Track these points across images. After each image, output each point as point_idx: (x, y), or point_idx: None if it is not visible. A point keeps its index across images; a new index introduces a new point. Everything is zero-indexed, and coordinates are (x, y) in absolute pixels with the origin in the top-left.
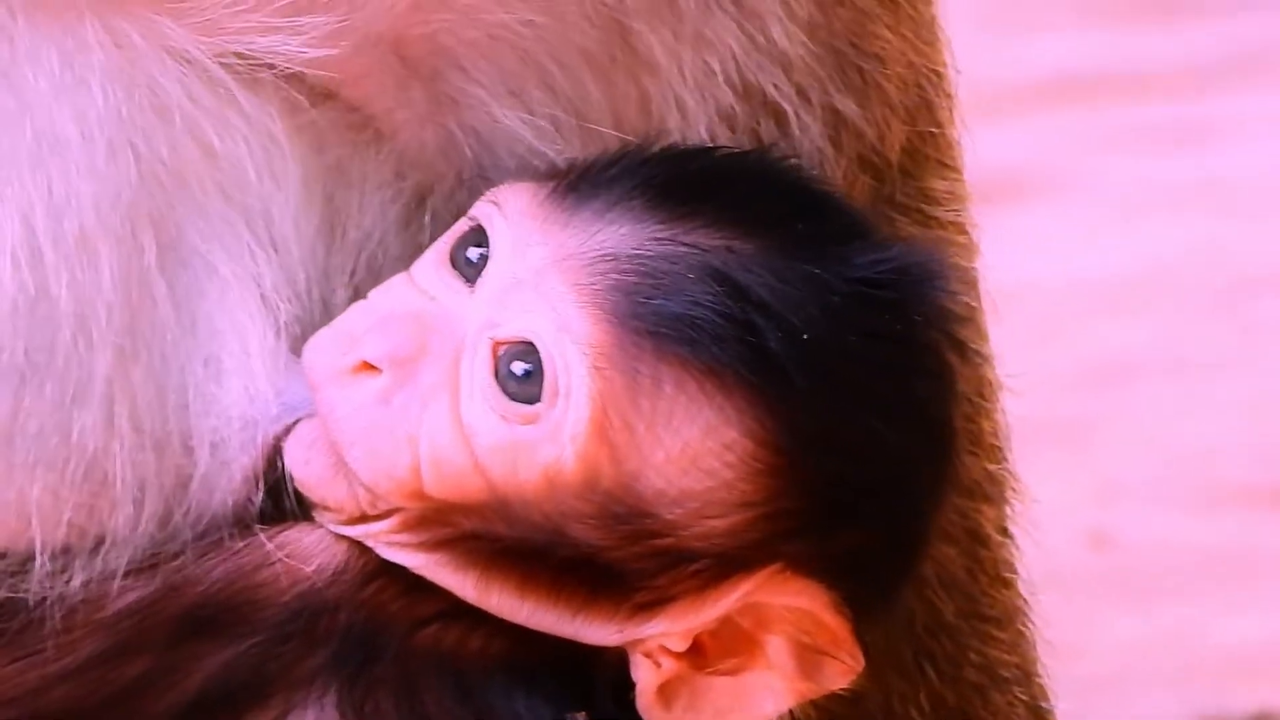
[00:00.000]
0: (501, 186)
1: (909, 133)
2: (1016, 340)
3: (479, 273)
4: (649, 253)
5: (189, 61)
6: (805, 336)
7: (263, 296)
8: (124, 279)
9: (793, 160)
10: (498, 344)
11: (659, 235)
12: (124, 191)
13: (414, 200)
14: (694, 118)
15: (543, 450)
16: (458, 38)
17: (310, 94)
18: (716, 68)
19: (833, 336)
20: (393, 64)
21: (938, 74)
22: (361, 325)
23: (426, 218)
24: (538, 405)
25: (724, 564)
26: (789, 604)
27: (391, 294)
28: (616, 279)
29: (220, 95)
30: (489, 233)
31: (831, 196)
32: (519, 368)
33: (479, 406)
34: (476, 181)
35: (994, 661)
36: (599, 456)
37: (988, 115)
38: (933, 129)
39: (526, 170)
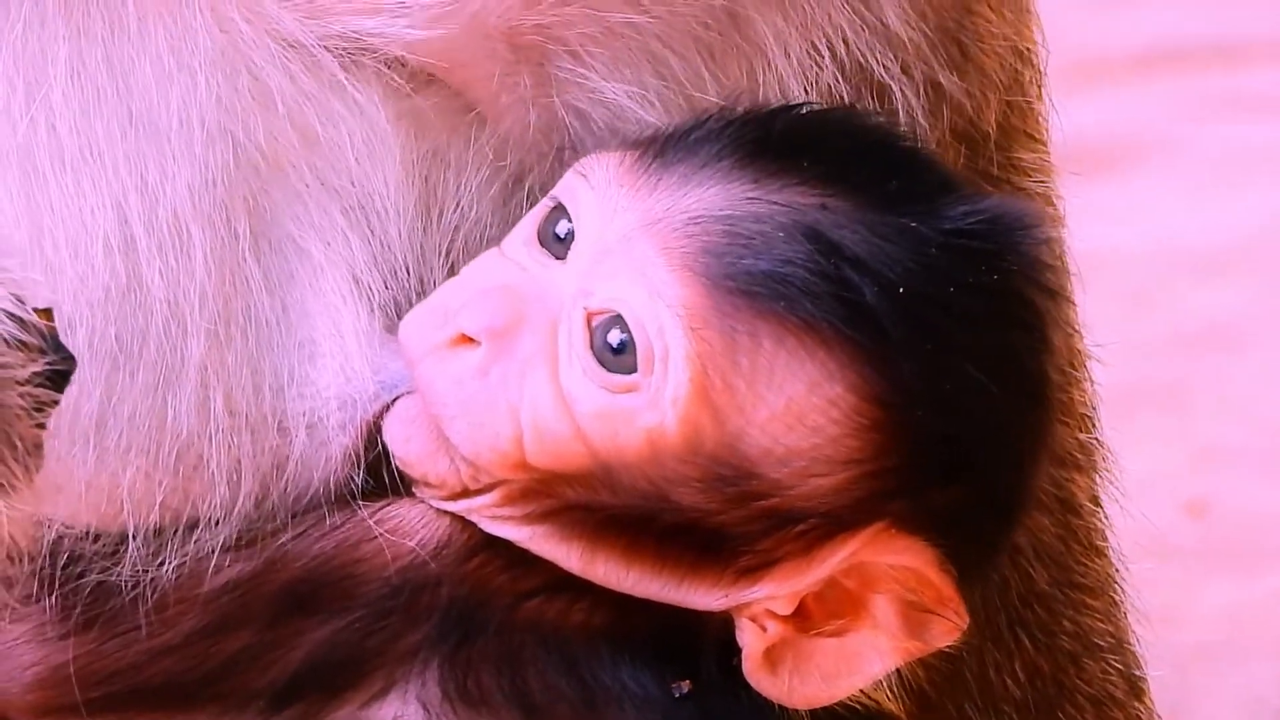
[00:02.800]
0: (587, 158)
1: (1001, 105)
2: (1109, 309)
3: (568, 247)
4: (739, 213)
5: (294, 46)
6: (901, 290)
7: (355, 279)
8: (218, 265)
9: (879, 117)
10: (591, 314)
11: (749, 195)
12: (220, 178)
13: (512, 180)
14: (797, 98)
15: (644, 415)
16: (574, 29)
17: (411, 79)
18: (824, 49)
19: (929, 289)
20: (501, 51)
21: (1029, 49)
22: (456, 300)
23: (524, 197)
24: (635, 375)
25: (829, 523)
26: (894, 562)
27: (484, 269)
28: (706, 240)
29: (323, 79)
30: (576, 204)
31: (920, 152)
32: (615, 338)
33: (578, 375)
34: (575, 159)
35: (1088, 630)
36: (701, 418)
37: (1080, 86)
38: (1023, 101)
39: (614, 141)
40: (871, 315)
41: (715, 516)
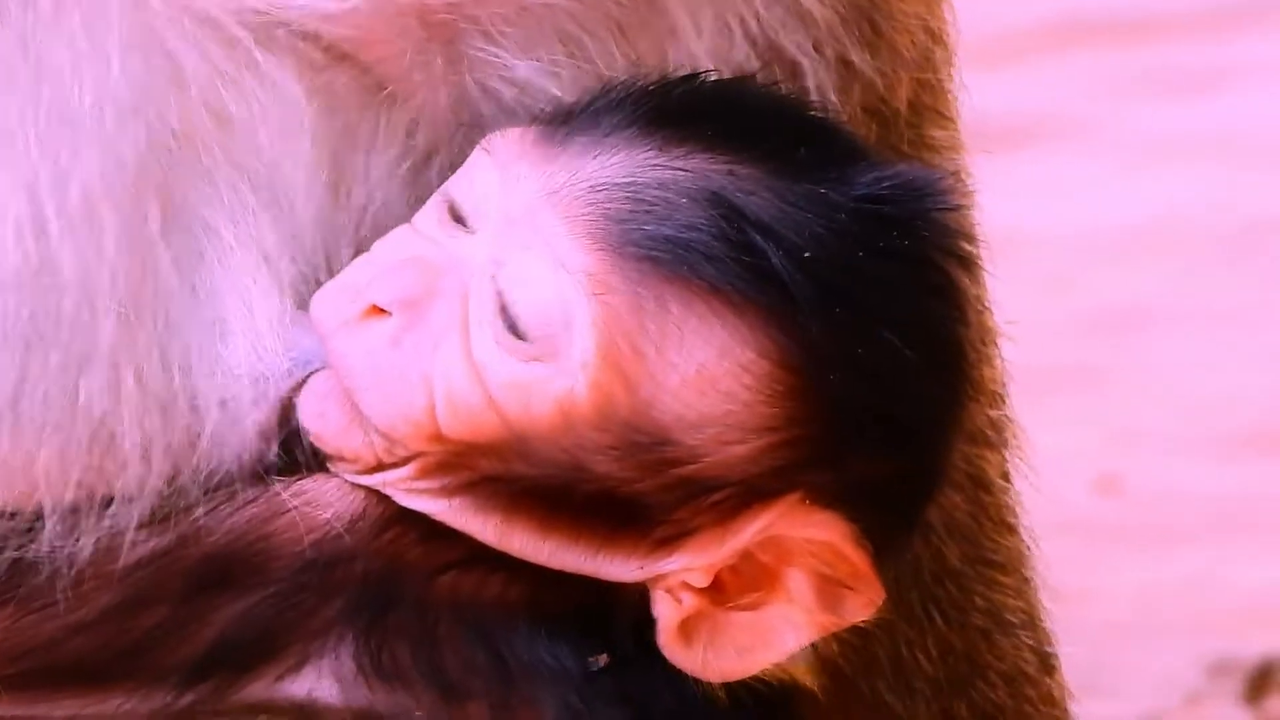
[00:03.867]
0: (493, 134)
1: (912, 83)
2: (1022, 289)
3: (476, 221)
4: (642, 179)
5: (207, 21)
6: (807, 254)
7: (265, 257)
8: (128, 247)
9: (784, 88)
10: (499, 283)
11: (653, 161)
12: (131, 160)
13: (421, 159)
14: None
15: (555, 383)
16: (486, 8)
17: (325, 54)
18: (735, 25)
19: (838, 254)
20: (414, 28)
21: (940, 27)
22: (367, 273)
23: (433, 175)
24: (543, 341)
25: (745, 493)
26: (809, 535)
27: (395, 243)
28: (609, 207)
29: (238, 56)
30: (482, 179)
31: (829, 121)
32: (525, 306)
33: (489, 344)
34: (484, 135)
35: (999, 606)
36: (612, 384)
37: (992, 62)
38: (934, 79)
39: (520, 117)
40: (778, 279)
41: (630, 485)
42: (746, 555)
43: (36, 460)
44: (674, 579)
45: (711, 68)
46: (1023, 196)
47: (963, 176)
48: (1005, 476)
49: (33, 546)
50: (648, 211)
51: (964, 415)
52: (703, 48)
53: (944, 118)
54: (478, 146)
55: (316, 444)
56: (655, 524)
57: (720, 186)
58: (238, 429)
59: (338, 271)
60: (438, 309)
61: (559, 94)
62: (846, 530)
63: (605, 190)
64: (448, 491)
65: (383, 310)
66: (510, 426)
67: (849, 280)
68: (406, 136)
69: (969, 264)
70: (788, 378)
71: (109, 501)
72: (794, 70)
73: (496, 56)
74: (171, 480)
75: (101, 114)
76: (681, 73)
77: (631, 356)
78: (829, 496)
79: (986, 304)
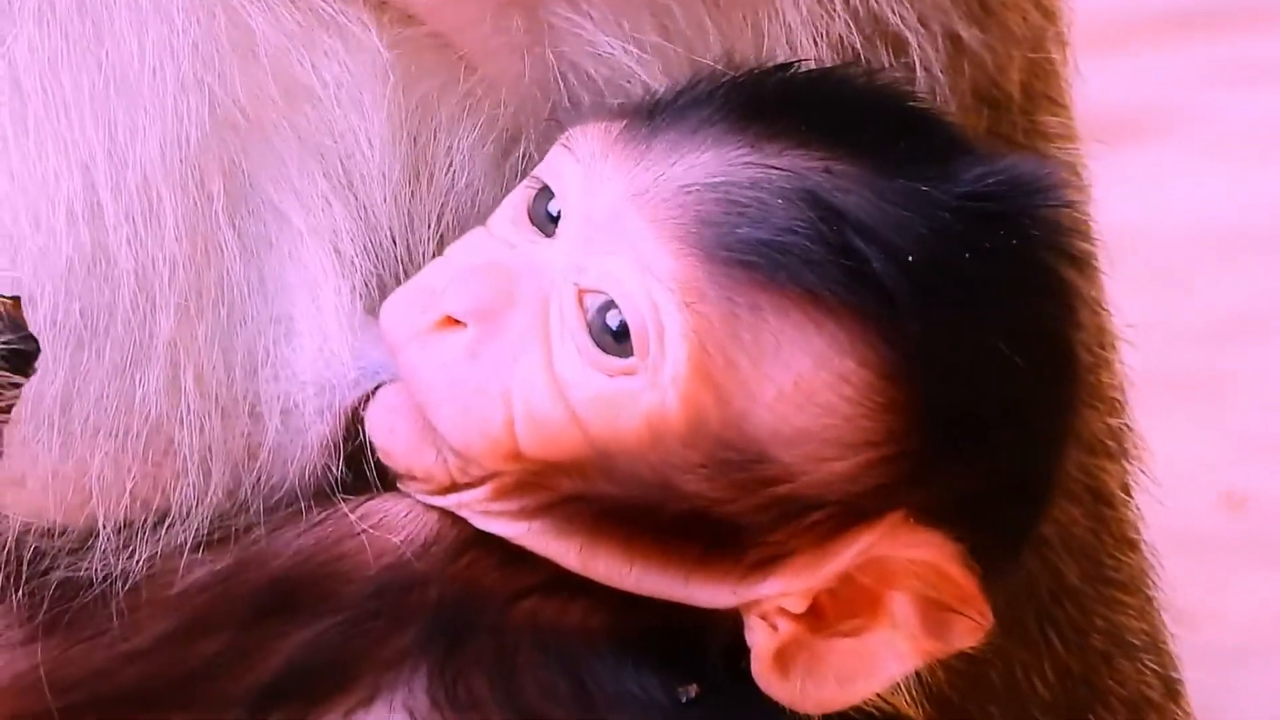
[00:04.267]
0: (572, 130)
1: (1024, 64)
2: (1140, 289)
3: (557, 224)
4: (734, 179)
5: None
6: (910, 257)
7: (337, 249)
8: (189, 232)
9: (885, 75)
10: (583, 291)
11: (745, 160)
12: (194, 135)
13: (507, 140)
14: (805, 51)
15: (643, 397)
16: None
17: (397, 21)
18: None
19: (942, 255)
20: (490, 5)
21: (1052, 4)
22: (440, 280)
23: (520, 159)
24: (631, 358)
25: (844, 513)
26: (913, 556)
27: (470, 246)
28: (699, 210)
29: (307, 23)
30: (560, 179)
31: (931, 111)
32: (611, 318)
33: (572, 357)
34: (571, 120)
35: (1121, 628)
36: (704, 398)
37: (1107, 49)
38: (1046, 61)
39: (601, 110)
40: (878, 284)
41: (723, 505)
42: (846, 578)
43: (89, 468)
44: (769, 604)
45: (808, 43)
46: (1137, 190)
47: (1078, 169)
48: (1126, 489)
49: (84, 565)
50: (740, 213)
51: (1078, 424)
52: (799, 18)
53: (1057, 104)
54: (556, 144)
55: (386, 461)
56: (749, 546)
57: (816, 185)
58: (301, 440)
59: (419, 266)
60: (516, 320)
61: (646, 74)
62: (952, 550)
63: (695, 191)
64: (527, 514)
65: (458, 321)
66: (594, 444)
67: (953, 284)
68: (489, 116)
69: (1083, 264)
70: (889, 389)
71: (165, 515)
72: (898, 45)
73: (581, 28)
74: (231, 493)
75: (164, 84)
76: (778, 56)
77: (725, 368)
78: (933, 514)
79: (1104, 305)
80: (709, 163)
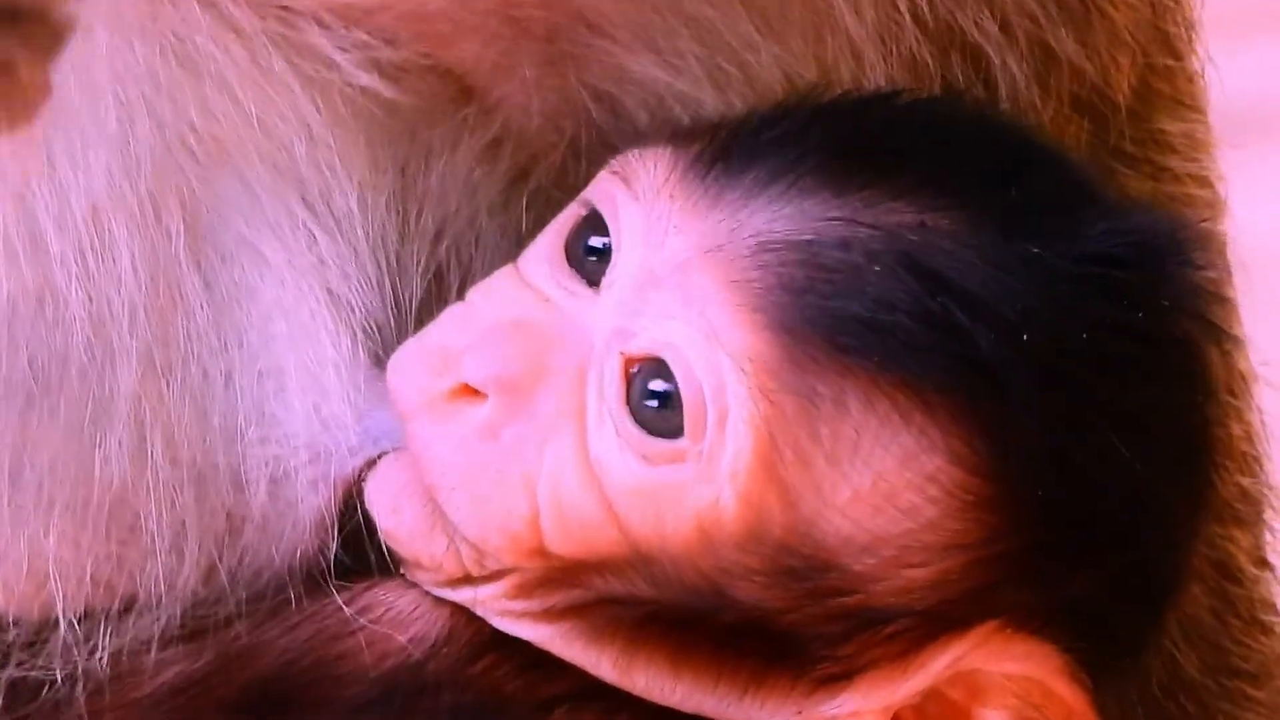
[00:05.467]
0: (628, 154)
1: (1137, 68)
2: (1277, 318)
3: (604, 268)
4: (822, 238)
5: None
6: (1025, 335)
7: (330, 291)
8: (149, 273)
9: (993, 107)
10: (630, 360)
11: (833, 215)
12: (144, 162)
13: (514, 175)
14: (872, 67)
15: (694, 492)
16: None
17: (384, 48)
18: (903, 4)
19: (1059, 333)
20: (494, 26)
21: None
22: (460, 338)
23: (527, 198)
24: (682, 440)
25: (928, 623)
26: (1011, 671)
27: (496, 296)
28: (780, 273)
29: (271, 47)
30: (614, 216)
31: (1049, 152)
32: (659, 387)
33: (611, 439)
34: (598, 150)
35: None
36: (767, 498)
37: (1242, 39)
38: (1167, 60)
39: (661, 133)
40: (985, 368)
41: (786, 616)
42: (933, 694)
43: (44, 549)
44: None
45: (874, 57)
46: (1271, 204)
47: (1210, 181)
48: (1260, 562)
49: (39, 663)
50: (828, 281)
51: (1205, 522)
52: (865, 33)
53: (1182, 106)
54: (606, 170)
55: (389, 544)
56: (817, 660)
57: (913, 247)
58: (292, 515)
59: (407, 315)
60: (547, 393)
61: (693, 92)
62: (1057, 663)
63: (777, 251)
64: (553, 615)
65: (477, 391)
66: (634, 544)
67: (1068, 367)
68: (491, 145)
69: (1220, 334)
70: (983, 487)
71: (131, 604)
72: (976, 58)
73: (607, 53)
74: (208, 578)
75: (97, 106)
76: (864, 85)
77: (795, 466)
78: (1035, 622)
79: (1239, 341)
80: (792, 216)
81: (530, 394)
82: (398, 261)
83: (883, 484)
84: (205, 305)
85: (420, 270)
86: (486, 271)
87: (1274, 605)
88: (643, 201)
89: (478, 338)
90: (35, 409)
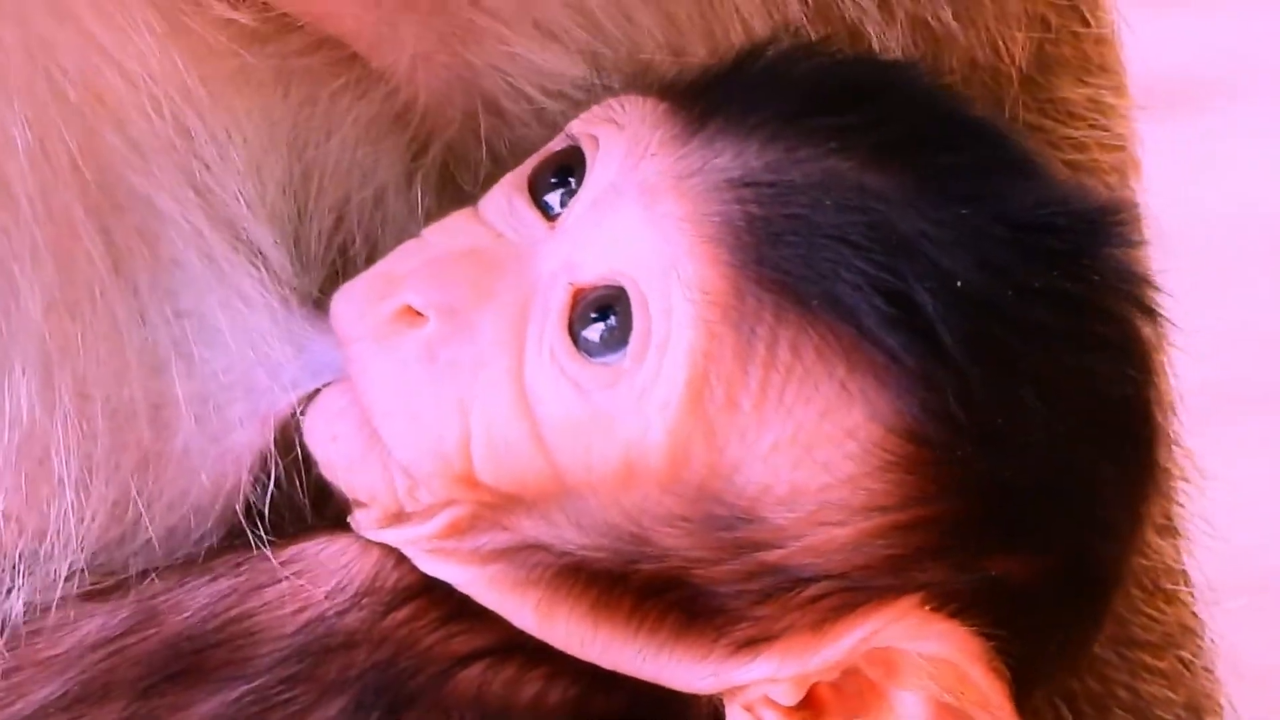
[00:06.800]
0: (616, 100)
1: (1031, 41)
2: (1194, 289)
3: (565, 201)
4: (782, 179)
5: None
6: (955, 297)
7: (241, 240)
8: (45, 210)
9: (943, 80)
10: (580, 290)
11: (796, 156)
12: (19, 101)
13: (413, 151)
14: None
15: (624, 424)
16: None
17: (263, 22)
18: None
19: (988, 296)
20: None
21: None
22: (406, 265)
23: (422, 176)
24: (620, 359)
25: (847, 590)
26: (927, 651)
27: (448, 230)
28: (744, 210)
29: (129, 11)
30: (594, 145)
31: (981, 119)
32: (606, 305)
33: (546, 366)
34: (498, 129)
35: (1150, 700)
36: (693, 436)
37: (1158, 6)
38: (1076, 28)
39: (650, 82)
40: (913, 326)
41: (704, 568)
42: (850, 669)
43: None
44: (755, 691)
45: (764, 29)
46: (1187, 174)
47: (1117, 145)
48: (1164, 530)
49: None
50: (785, 224)
51: (1145, 506)
52: (752, 4)
53: (1091, 70)
54: (590, 113)
55: (326, 475)
56: (734, 620)
57: (863, 195)
58: (215, 450)
59: (310, 293)
60: (488, 319)
61: (573, 73)
62: (976, 648)
63: (745, 188)
64: (480, 557)
65: (419, 314)
66: (561, 478)
67: (995, 329)
68: (393, 120)
69: (1153, 313)
70: (904, 446)
71: (40, 544)
72: (856, 34)
73: (489, 29)
74: (117, 514)
75: None
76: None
77: (724, 407)
78: (955, 603)
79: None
80: (763, 156)
81: (471, 318)
82: (295, 240)
83: (803, 434)
84: (103, 249)
85: (326, 240)
86: (392, 248)
87: (1178, 573)
88: (627, 130)
89: (423, 262)
90: None
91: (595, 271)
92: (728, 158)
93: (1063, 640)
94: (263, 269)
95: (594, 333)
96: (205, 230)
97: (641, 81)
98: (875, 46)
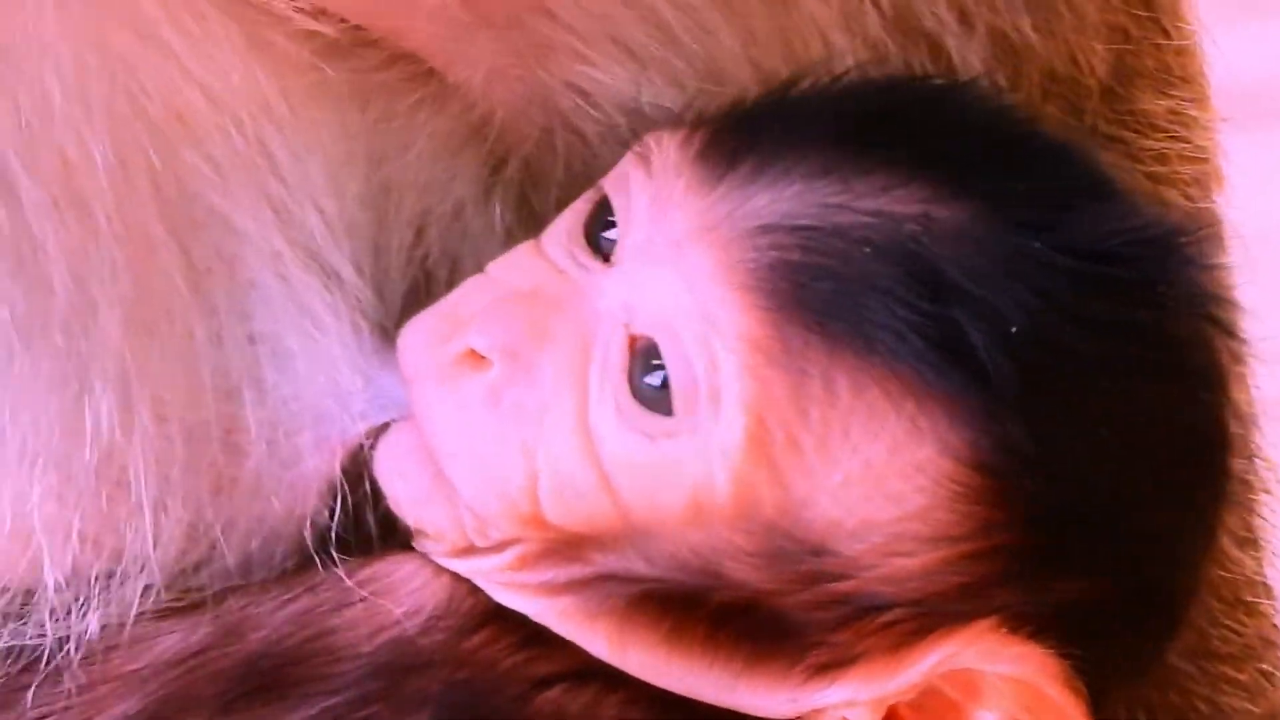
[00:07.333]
0: (650, 136)
1: (1112, 52)
2: (1277, 300)
3: (620, 249)
4: (820, 224)
5: None
6: (1015, 329)
7: (320, 265)
8: (124, 229)
9: (1003, 96)
10: (634, 337)
11: (834, 200)
12: (101, 122)
13: (491, 166)
14: (841, 52)
15: (689, 469)
16: None
17: (340, 36)
18: None
19: (1051, 328)
20: (453, 8)
21: None
22: (470, 305)
23: (502, 191)
24: (674, 418)
25: (921, 617)
26: (1005, 672)
27: (511, 267)
28: (776, 255)
29: (210, 27)
30: (627, 194)
31: (1058, 143)
32: (655, 374)
33: (610, 413)
34: (575, 146)
35: (1230, 713)
36: (758, 478)
37: (1241, 15)
38: (1158, 40)
39: (685, 116)
40: (973, 359)
41: (779, 598)
42: (930, 689)
43: (29, 504)
44: (833, 716)
45: (843, 42)
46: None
47: (1200, 157)
48: (1244, 543)
49: (30, 632)
50: (823, 265)
51: (1218, 521)
52: (830, 16)
53: (1171, 82)
54: (631, 151)
55: (395, 510)
56: (810, 647)
57: (911, 236)
58: (288, 478)
59: (391, 311)
60: (551, 360)
61: (648, 91)
62: (1053, 668)
63: (774, 233)
64: (551, 590)
65: (483, 357)
66: (629, 517)
67: (1059, 362)
68: (471, 133)
69: (1228, 332)
70: (972, 478)
71: (117, 565)
72: (936, 47)
73: (566, 44)
74: (194, 537)
75: (51, 51)
76: (878, 72)
77: (786, 448)
78: (1031, 625)
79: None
80: (793, 200)
81: (534, 361)
82: (375, 254)
83: (872, 470)
84: (183, 268)
85: (403, 264)
86: (473, 263)
87: (1259, 586)
88: (655, 178)
89: (487, 305)
90: (16, 362)
91: (642, 324)
92: (762, 201)
93: (1136, 655)
94: (336, 293)
95: (652, 382)
96: (283, 251)
97: (680, 114)
98: (955, 59)
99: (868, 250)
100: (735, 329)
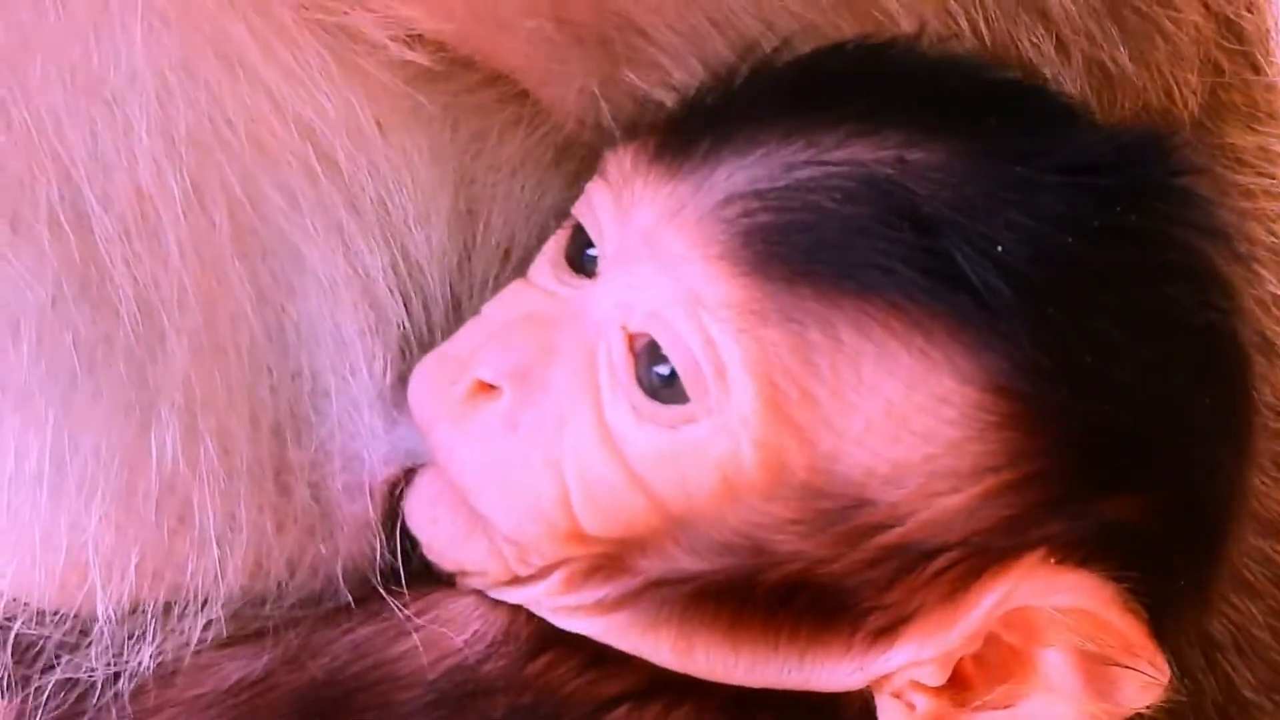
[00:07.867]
0: (608, 154)
1: (1203, 85)
2: None
3: (599, 262)
4: (788, 183)
5: (263, 13)
6: (1000, 248)
7: (373, 304)
8: (195, 256)
9: (946, 45)
10: (632, 336)
11: (799, 159)
12: (182, 149)
13: (585, 180)
14: None
15: (713, 447)
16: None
17: (435, 59)
18: (963, 19)
19: (1044, 244)
20: (546, 29)
21: (1235, 17)
22: (471, 342)
23: None
24: (690, 404)
25: (971, 557)
26: (1061, 604)
27: (504, 301)
28: (747, 222)
29: (304, 55)
30: (592, 210)
31: (1023, 81)
32: (661, 366)
33: (626, 411)
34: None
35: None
36: (782, 440)
37: None
38: (1247, 75)
39: (636, 129)
40: (967, 283)
41: (828, 565)
42: (990, 638)
43: (86, 534)
44: (902, 678)
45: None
46: None
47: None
48: None
49: (85, 664)
50: (795, 221)
51: (1245, 428)
52: (927, 45)
53: (1259, 118)
54: (596, 176)
55: (431, 558)
56: (867, 611)
57: (885, 177)
58: (333, 521)
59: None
60: (558, 374)
61: None
62: (1108, 592)
63: (742, 201)
64: (606, 606)
65: (493, 387)
66: (665, 511)
67: (1059, 274)
68: (555, 157)
69: (1225, 237)
70: (999, 403)
71: (176, 598)
72: (1033, 75)
73: (654, 60)
74: (255, 576)
75: (145, 89)
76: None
77: (801, 402)
78: (1080, 551)
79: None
80: (756, 165)
81: (542, 378)
82: (459, 276)
83: (894, 410)
84: (252, 299)
85: (491, 283)
86: None
87: None
88: (614, 187)
89: (487, 337)
90: (79, 390)
91: (637, 321)
92: (724, 174)
93: (1188, 574)
94: (378, 337)
95: (661, 373)
96: (340, 287)
97: (635, 128)
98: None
99: (838, 196)
100: (719, 299)
